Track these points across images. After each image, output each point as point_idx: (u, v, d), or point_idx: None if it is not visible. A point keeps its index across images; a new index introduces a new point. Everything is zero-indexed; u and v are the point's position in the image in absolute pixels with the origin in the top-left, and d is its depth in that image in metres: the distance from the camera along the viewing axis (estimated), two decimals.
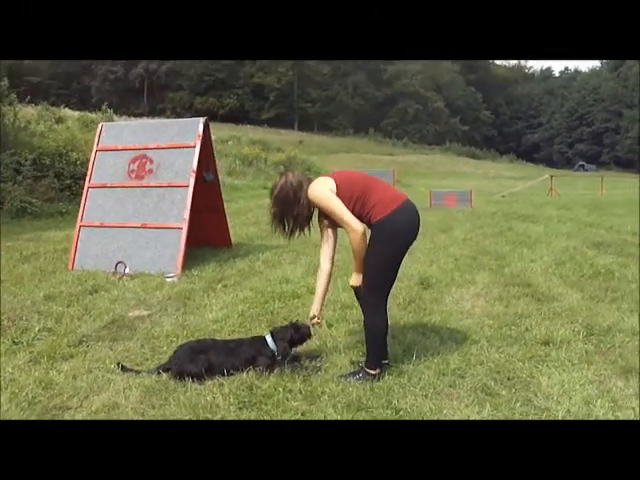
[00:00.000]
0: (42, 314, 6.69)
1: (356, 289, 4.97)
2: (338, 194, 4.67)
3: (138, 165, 9.61)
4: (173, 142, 9.59)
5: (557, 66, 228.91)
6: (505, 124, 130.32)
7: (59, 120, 31.07)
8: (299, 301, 7.15)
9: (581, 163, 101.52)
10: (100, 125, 10.47)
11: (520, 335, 5.86)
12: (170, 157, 9.50)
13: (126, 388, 4.58)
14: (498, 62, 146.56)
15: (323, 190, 4.72)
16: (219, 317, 6.47)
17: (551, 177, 34.86)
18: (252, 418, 4.01)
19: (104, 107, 37.47)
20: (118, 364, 5.00)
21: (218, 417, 4.03)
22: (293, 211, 4.84)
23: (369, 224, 4.69)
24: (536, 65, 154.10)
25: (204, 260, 9.51)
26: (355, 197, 4.67)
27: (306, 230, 5.00)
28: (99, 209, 9.66)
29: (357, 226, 4.58)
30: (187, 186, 9.17)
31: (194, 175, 9.21)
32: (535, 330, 5.97)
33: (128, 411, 4.17)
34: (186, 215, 9.00)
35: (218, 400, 4.29)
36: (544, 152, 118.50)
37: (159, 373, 4.81)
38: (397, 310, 6.75)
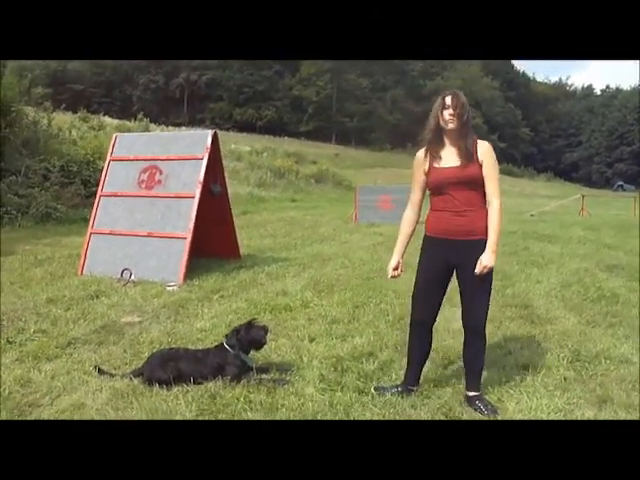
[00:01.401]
0: (41, 316, 6.92)
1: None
2: None
3: (148, 175, 9.81)
4: (182, 154, 9.78)
5: (598, 84, 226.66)
6: (544, 142, 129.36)
7: (99, 127, 31.69)
8: (290, 314, 7.24)
9: (620, 183, 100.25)
10: (114, 135, 10.73)
11: (501, 358, 5.86)
12: (179, 168, 9.69)
13: (97, 390, 4.76)
14: (539, 79, 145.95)
15: None
16: (207, 327, 6.61)
17: (582, 197, 34.52)
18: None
19: (140, 116, 38.07)
20: (95, 367, 5.17)
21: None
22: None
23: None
24: (577, 83, 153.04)
25: (209, 270, 9.65)
26: None
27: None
28: (109, 217, 9.89)
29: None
30: (193, 197, 9.32)
31: (200, 186, 9.36)
32: (517, 354, 5.96)
33: (92, 412, 4.33)
34: (190, 225, 9.15)
35: (180, 407, 4.41)
36: (583, 171, 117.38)
37: (131, 378, 4.94)
38: (384, 326, 6.82)
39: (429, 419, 4.37)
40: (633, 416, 4.47)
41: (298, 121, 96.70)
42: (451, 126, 4.50)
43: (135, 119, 39.68)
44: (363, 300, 8.06)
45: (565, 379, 5.30)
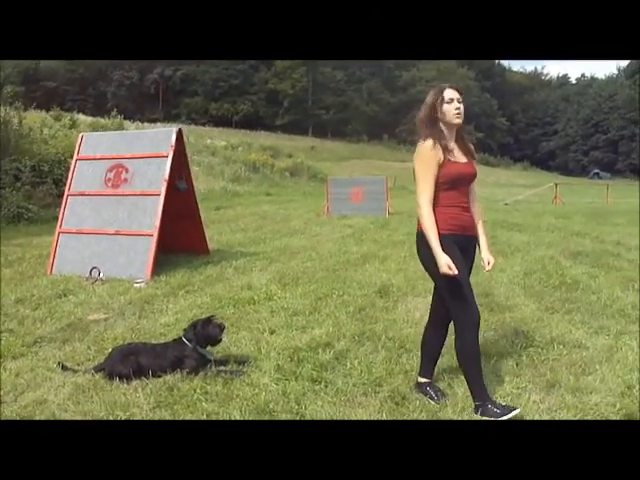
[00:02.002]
0: (8, 316, 6.99)
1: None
2: None
3: (114, 174, 9.90)
4: (148, 152, 9.88)
5: (574, 73, 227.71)
6: (521, 131, 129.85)
7: (72, 125, 31.53)
8: (253, 307, 7.39)
9: (596, 171, 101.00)
10: (80, 135, 10.79)
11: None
12: (144, 166, 9.78)
13: (60, 386, 4.88)
14: (515, 69, 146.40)
15: None
16: (170, 322, 6.73)
17: (556, 185, 34.91)
18: (164, 417, 4.26)
19: (114, 113, 37.90)
20: (59, 363, 5.29)
21: (128, 415, 4.29)
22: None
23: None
24: (553, 72, 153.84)
25: (176, 266, 9.76)
26: None
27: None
28: (77, 216, 9.97)
29: None
30: (159, 194, 9.44)
31: (166, 184, 9.47)
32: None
33: (53, 407, 4.45)
34: (157, 223, 9.27)
35: (139, 399, 4.55)
36: (560, 160, 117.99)
37: (93, 373, 5.07)
38: (344, 317, 6.96)
39: (379, 407, 4.51)
40: (579, 400, 4.59)
41: (274, 115, 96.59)
42: (457, 121, 4.39)
43: (109, 116, 39.44)
44: (326, 292, 8.19)
45: (517, 365, 5.44)
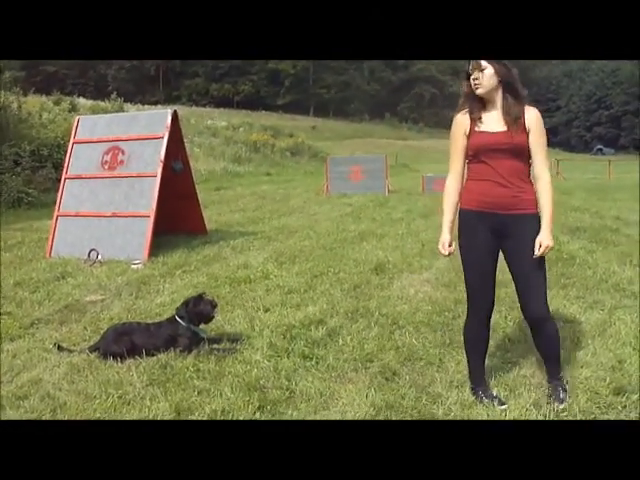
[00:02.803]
0: (7, 299, 7.05)
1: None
2: None
3: (111, 156, 9.94)
4: (143, 133, 9.92)
5: None
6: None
7: (71, 109, 31.50)
8: (249, 286, 7.43)
9: (599, 147, 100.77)
10: (77, 118, 10.85)
11: (449, 321, 6.03)
12: (140, 148, 9.83)
13: (55, 366, 4.96)
14: None
15: None
16: (166, 301, 6.78)
17: (557, 161, 34.80)
18: (156, 394, 4.32)
19: (114, 96, 37.80)
20: (55, 344, 5.36)
21: (121, 392, 4.35)
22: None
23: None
24: None
25: (174, 247, 9.81)
26: None
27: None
28: (75, 199, 10.03)
29: None
30: (155, 176, 9.48)
31: (162, 165, 9.51)
32: (465, 317, 6.17)
33: (48, 386, 4.52)
34: (153, 204, 9.31)
35: (132, 377, 4.62)
36: (562, 136, 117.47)
37: (88, 353, 5.15)
38: (340, 294, 7.02)
39: (369, 382, 4.56)
40: (570, 374, 4.59)
41: (275, 94, 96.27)
42: (480, 91, 4.08)
43: (109, 99, 39.33)
44: (322, 270, 8.25)
45: (509, 339, 5.48)
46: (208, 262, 8.90)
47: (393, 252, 9.55)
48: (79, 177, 10.13)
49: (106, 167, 9.94)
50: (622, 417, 4.02)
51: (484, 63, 4.03)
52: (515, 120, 4.03)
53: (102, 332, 5.54)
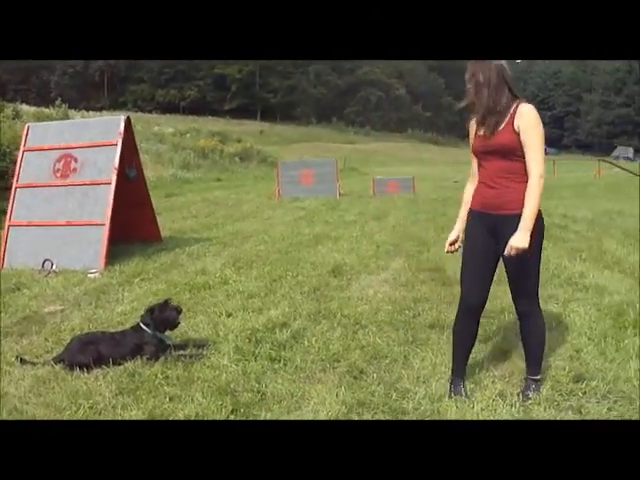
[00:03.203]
0: None
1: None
2: None
3: (63, 164, 9.80)
4: (96, 140, 9.79)
5: None
6: (468, 110, 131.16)
7: (15, 116, 30.90)
8: (209, 292, 7.43)
9: None
10: (27, 126, 10.65)
11: (410, 319, 6.18)
12: (93, 155, 9.69)
13: (19, 379, 4.84)
14: None
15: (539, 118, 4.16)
16: (127, 310, 6.73)
17: None
18: (128, 403, 4.30)
19: (58, 102, 37.27)
20: (17, 357, 5.26)
21: (91, 402, 4.32)
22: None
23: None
24: None
25: (130, 255, 9.71)
26: None
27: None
28: (26, 208, 9.82)
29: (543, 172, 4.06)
30: (110, 183, 9.38)
31: (116, 172, 9.43)
32: (426, 314, 6.31)
33: (15, 400, 4.42)
34: (108, 212, 9.22)
35: (100, 387, 4.59)
36: None
37: (53, 365, 5.07)
38: (300, 297, 7.07)
39: (338, 381, 4.62)
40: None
41: (222, 99, 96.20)
42: (470, 98, 4.25)
43: (54, 106, 38.71)
44: (280, 273, 8.29)
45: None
46: (165, 269, 8.85)
47: (349, 254, 9.64)
48: (30, 186, 9.94)
49: (58, 175, 9.80)
50: (583, 403, 4.20)
51: (472, 70, 4.16)
52: (497, 122, 4.10)
53: (64, 343, 5.48)
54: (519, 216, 4.01)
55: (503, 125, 4.09)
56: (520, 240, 3.95)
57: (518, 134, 4.04)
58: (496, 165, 4.17)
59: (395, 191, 21.35)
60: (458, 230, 4.56)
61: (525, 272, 4.27)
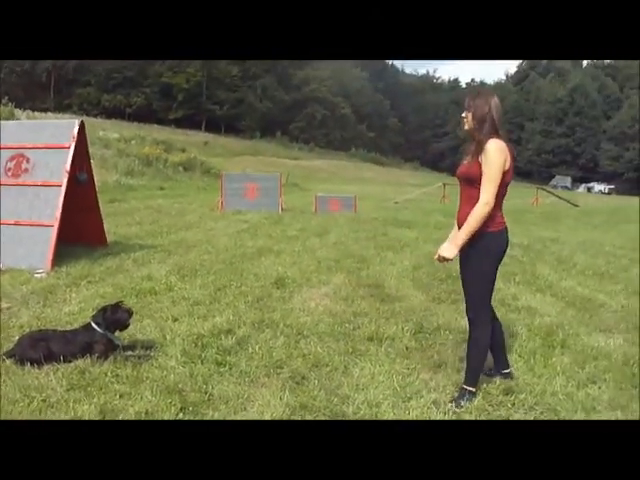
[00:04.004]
0: None
1: None
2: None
3: (15, 164, 9.86)
4: (49, 142, 9.89)
5: (464, 77, 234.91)
6: (412, 132, 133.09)
7: None
8: (155, 297, 7.62)
9: None
10: None
11: (350, 332, 6.49)
12: (46, 157, 9.79)
13: None
14: (407, 71, 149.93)
15: (501, 155, 4.52)
16: (75, 310, 6.88)
17: (444, 185, 36.14)
18: (80, 397, 4.49)
19: (4, 101, 36.83)
20: None
21: (44, 396, 4.50)
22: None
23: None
24: (444, 75, 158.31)
25: (76, 257, 9.80)
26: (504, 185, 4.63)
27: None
28: None
29: (492, 203, 4.46)
30: (61, 185, 9.49)
31: (67, 175, 9.55)
32: (365, 327, 6.62)
33: None
34: (57, 214, 9.32)
35: (52, 383, 4.76)
36: (449, 161, 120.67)
37: (4, 359, 5.23)
38: (243, 307, 7.31)
39: (281, 386, 4.89)
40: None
41: (168, 108, 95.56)
42: (465, 127, 4.72)
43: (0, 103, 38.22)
44: (224, 283, 8.51)
45: (407, 348, 6.00)
46: (112, 273, 8.97)
47: (291, 267, 9.89)
48: None
49: (9, 174, 9.85)
50: (512, 413, 4.59)
51: (470, 104, 4.65)
52: (476, 154, 4.56)
53: (13, 340, 5.62)
54: (480, 235, 4.55)
55: (475, 157, 4.57)
56: (445, 249, 4.62)
57: (481, 166, 4.51)
58: (467, 192, 4.69)
59: (337, 209, 21.62)
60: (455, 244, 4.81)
61: (469, 285, 4.80)
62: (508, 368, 5.27)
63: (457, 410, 4.58)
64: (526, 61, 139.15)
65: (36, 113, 46.77)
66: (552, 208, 33.86)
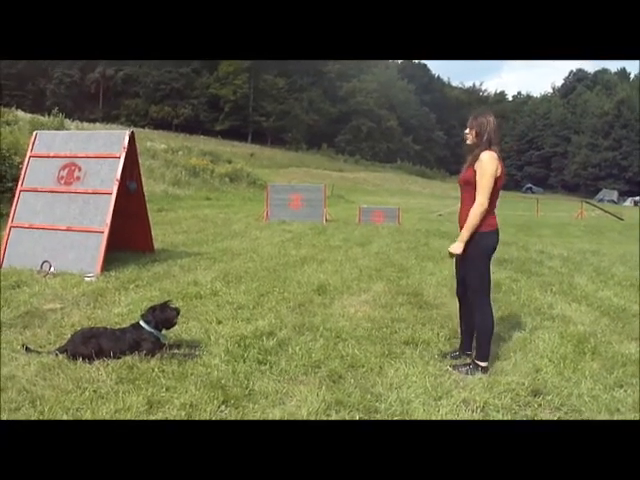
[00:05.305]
0: None
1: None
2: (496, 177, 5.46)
3: (67, 172, 10.26)
4: (100, 152, 10.29)
5: (510, 90, 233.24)
6: (458, 145, 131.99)
7: (11, 122, 31.17)
8: (200, 301, 7.89)
9: (529, 186, 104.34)
10: (35, 133, 11.11)
11: (387, 336, 6.69)
12: (97, 166, 10.18)
13: (25, 365, 5.31)
14: (454, 84, 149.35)
15: (493, 163, 5.43)
16: (124, 312, 7.18)
17: None
18: (129, 389, 4.76)
19: (55, 111, 37.52)
20: (23, 345, 5.72)
21: (95, 387, 4.80)
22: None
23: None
24: (490, 88, 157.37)
25: (124, 262, 10.15)
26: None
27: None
28: (29, 211, 10.29)
29: (486, 204, 5.42)
30: (111, 193, 9.86)
31: (117, 183, 9.92)
32: (402, 332, 6.82)
33: (23, 382, 4.88)
34: (108, 220, 9.69)
35: (101, 376, 5.06)
36: None
37: (57, 354, 5.53)
38: (286, 311, 7.56)
39: (318, 384, 5.11)
40: (494, 379, 5.31)
41: (214, 120, 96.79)
42: (468, 142, 5.68)
43: (49, 114, 38.83)
44: (267, 289, 8.76)
45: (442, 352, 6.19)
46: (159, 278, 9.27)
47: (333, 276, 10.10)
48: (35, 190, 10.39)
49: (62, 182, 10.26)
50: (538, 413, 4.79)
51: (473, 123, 5.60)
52: (470, 163, 5.56)
53: (65, 337, 5.92)
54: (475, 233, 5.50)
55: (471, 165, 5.54)
56: (454, 247, 5.61)
57: (475, 173, 5.45)
58: (464, 194, 5.70)
59: (380, 220, 21.81)
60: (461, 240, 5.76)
61: (468, 277, 5.73)
62: (471, 351, 5.98)
63: (458, 373, 5.55)
64: (572, 73, 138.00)
65: (85, 123, 47.72)
66: (597, 221, 33.67)
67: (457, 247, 5.56)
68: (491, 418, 4.63)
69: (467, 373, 5.56)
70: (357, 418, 4.50)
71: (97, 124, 56.72)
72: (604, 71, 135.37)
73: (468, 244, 5.52)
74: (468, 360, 5.82)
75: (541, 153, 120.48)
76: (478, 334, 5.74)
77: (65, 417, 4.27)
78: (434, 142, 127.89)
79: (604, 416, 4.72)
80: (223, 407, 4.56)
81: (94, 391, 4.73)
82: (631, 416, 4.75)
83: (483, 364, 5.62)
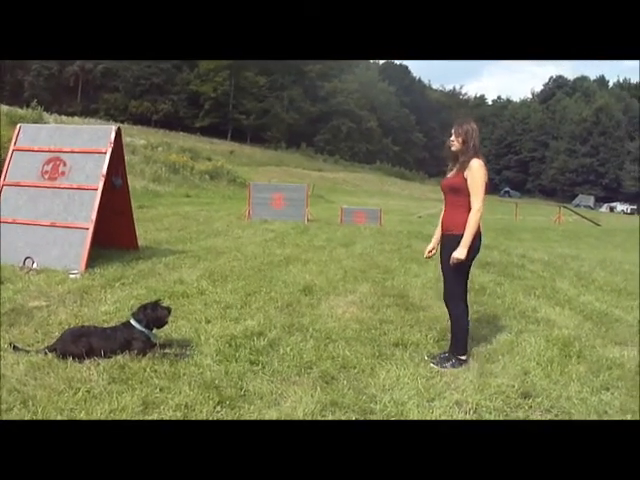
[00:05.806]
0: None
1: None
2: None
3: (52, 167, 10.14)
4: (86, 147, 10.18)
5: (490, 94, 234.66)
6: (437, 147, 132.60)
7: None
8: (187, 300, 7.84)
9: (506, 189, 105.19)
10: (18, 126, 10.96)
11: (376, 337, 6.70)
12: (82, 161, 10.07)
13: (14, 364, 5.22)
14: (434, 86, 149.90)
15: (483, 170, 5.71)
16: (110, 310, 7.13)
17: None
18: (122, 390, 4.71)
19: (33, 104, 37.17)
20: (10, 344, 5.63)
21: (88, 387, 4.73)
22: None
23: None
24: (470, 92, 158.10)
25: (109, 260, 10.05)
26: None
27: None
28: (11, 206, 10.13)
29: (482, 209, 5.69)
30: (96, 189, 9.77)
31: (103, 179, 9.82)
32: (391, 334, 6.84)
33: (13, 381, 4.80)
34: (93, 216, 9.59)
35: (93, 376, 5.00)
36: None
37: (46, 353, 5.45)
38: (273, 311, 7.54)
39: (312, 384, 5.10)
40: (484, 381, 5.34)
41: (194, 116, 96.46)
42: (453, 149, 5.85)
43: (27, 106, 38.42)
44: (254, 289, 8.73)
45: (431, 354, 6.21)
46: (144, 276, 9.19)
47: (319, 276, 10.08)
48: (17, 184, 10.26)
49: (46, 177, 10.14)
50: (529, 415, 4.88)
51: (459, 131, 5.76)
52: (459, 170, 5.78)
53: (53, 335, 5.88)
54: (451, 236, 5.80)
55: (460, 172, 5.75)
56: (460, 253, 5.63)
57: (466, 180, 5.66)
58: (449, 198, 5.91)
59: (362, 221, 21.86)
60: (434, 242, 6.41)
61: (450, 277, 5.99)
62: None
63: (439, 368, 5.77)
64: (552, 80, 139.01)
65: (63, 117, 47.30)
66: (574, 226, 34.01)
67: (462, 253, 5.63)
68: (483, 419, 4.67)
69: (452, 367, 5.80)
70: (353, 419, 4.50)
71: (76, 118, 56.38)
72: (583, 78, 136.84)
73: (453, 247, 5.69)
74: (449, 356, 6.01)
75: (519, 157, 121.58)
76: (457, 330, 6.00)
77: (59, 418, 4.21)
78: (413, 144, 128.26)
79: (593, 418, 4.80)
80: (219, 408, 4.52)
81: (87, 391, 4.66)
82: (618, 418, 4.82)
83: (463, 357, 5.94)
